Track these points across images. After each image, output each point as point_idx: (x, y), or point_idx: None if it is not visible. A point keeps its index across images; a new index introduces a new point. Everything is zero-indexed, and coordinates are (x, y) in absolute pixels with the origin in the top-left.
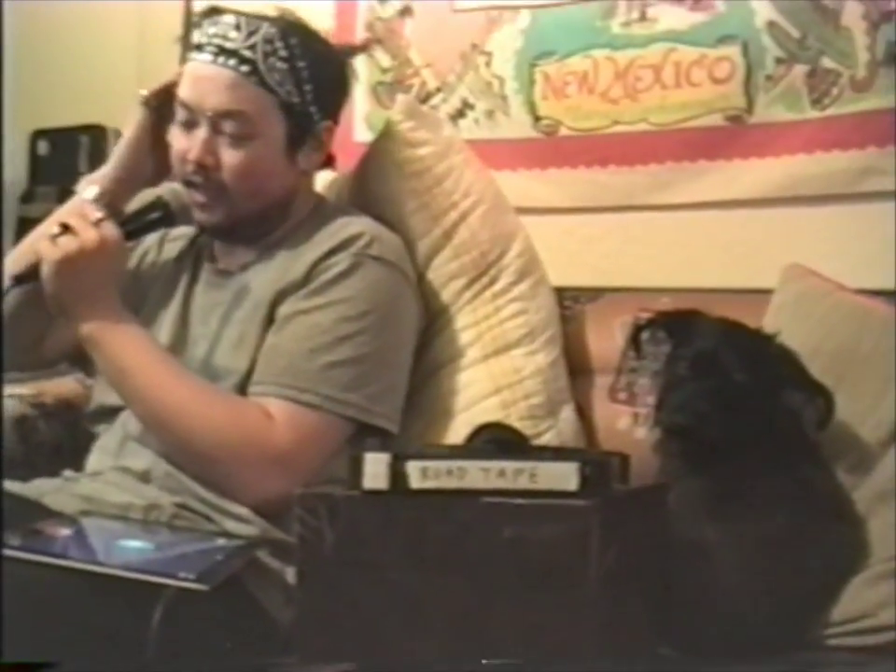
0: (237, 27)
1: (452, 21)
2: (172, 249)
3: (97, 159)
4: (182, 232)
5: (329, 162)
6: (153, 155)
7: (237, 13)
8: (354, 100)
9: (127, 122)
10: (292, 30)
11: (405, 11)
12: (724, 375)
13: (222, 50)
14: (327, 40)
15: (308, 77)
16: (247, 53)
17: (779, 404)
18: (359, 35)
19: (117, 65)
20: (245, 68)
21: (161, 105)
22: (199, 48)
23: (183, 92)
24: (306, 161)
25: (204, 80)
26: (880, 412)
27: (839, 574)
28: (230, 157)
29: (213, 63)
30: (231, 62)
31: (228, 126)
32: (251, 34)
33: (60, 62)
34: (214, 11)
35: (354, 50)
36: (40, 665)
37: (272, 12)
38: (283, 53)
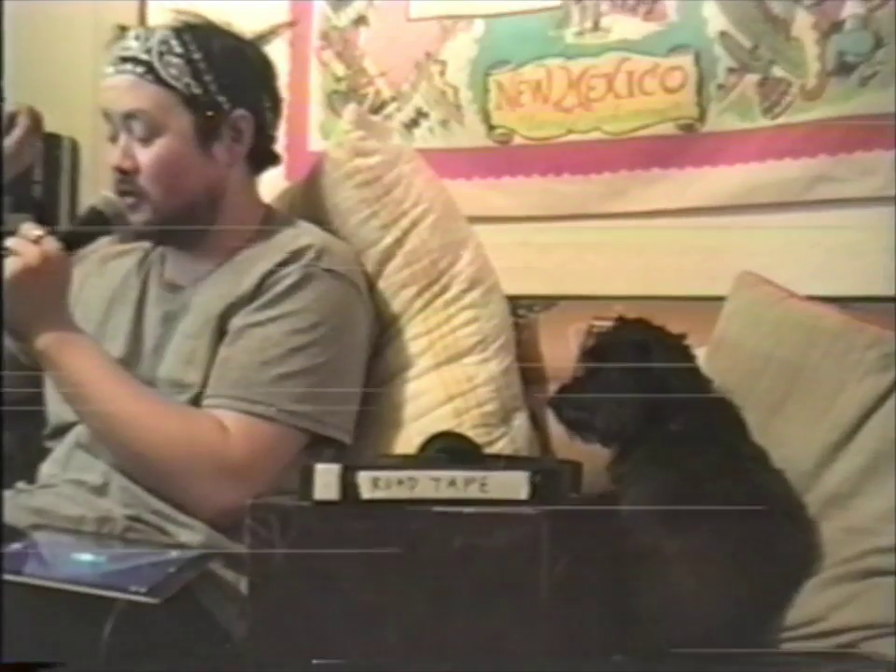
0: (136, 38)
1: (406, 31)
2: (118, 268)
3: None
4: (130, 249)
5: (274, 161)
6: None
7: (140, 27)
8: (308, 109)
9: None
10: (187, 27)
11: (360, 20)
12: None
13: (123, 60)
14: (229, 31)
15: (207, 67)
16: (143, 56)
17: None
18: (315, 46)
19: (73, 80)
20: (140, 69)
21: None
22: (109, 65)
23: (101, 105)
24: (226, 154)
25: (109, 89)
26: (831, 416)
27: (792, 578)
28: (143, 157)
29: (115, 73)
30: (129, 66)
31: (136, 128)
32: (147, 39)
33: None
34: (120, 30)
35: (264, 36)
36: (40, 665)
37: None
38: (178, 50)
